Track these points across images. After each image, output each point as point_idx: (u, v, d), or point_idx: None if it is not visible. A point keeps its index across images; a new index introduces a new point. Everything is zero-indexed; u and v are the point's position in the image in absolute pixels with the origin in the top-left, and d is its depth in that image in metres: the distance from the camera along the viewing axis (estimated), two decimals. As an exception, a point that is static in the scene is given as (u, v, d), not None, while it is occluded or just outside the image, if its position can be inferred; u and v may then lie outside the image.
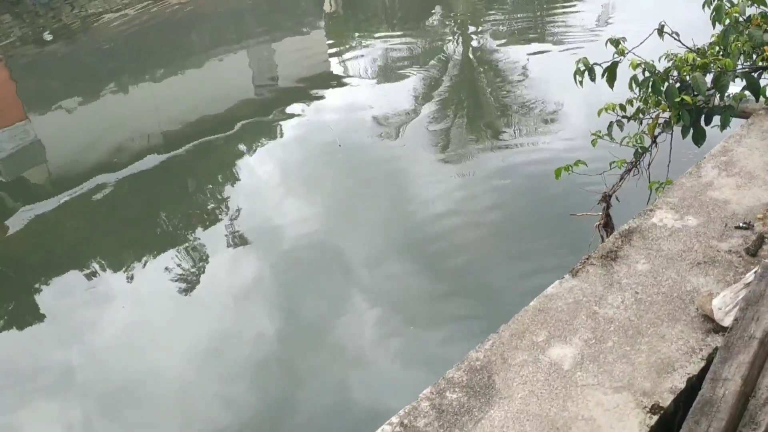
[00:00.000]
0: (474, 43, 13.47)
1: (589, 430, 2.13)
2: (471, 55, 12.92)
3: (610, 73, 4.18)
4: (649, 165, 4.48)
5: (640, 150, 4.25)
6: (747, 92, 3.92)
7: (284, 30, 14.96)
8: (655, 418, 2.15)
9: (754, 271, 2.65)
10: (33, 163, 10.01)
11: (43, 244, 7.74)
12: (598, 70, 4.20)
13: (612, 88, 4.24)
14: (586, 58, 4.22)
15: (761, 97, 3.87)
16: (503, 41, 12.90)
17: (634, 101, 4.36)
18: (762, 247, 2.82)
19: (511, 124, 9.42)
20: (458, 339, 5.39)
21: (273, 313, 6.02)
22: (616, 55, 4.15)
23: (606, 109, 4.28)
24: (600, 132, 4.45)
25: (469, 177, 8.01)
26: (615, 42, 4.27)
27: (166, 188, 8.75)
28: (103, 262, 7.14)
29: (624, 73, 4.23)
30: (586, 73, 4.20)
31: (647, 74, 3.96)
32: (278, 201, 7.91)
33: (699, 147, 3.96)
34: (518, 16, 14.38)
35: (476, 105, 10.72)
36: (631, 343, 2.43)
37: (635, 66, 3.96)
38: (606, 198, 4.59)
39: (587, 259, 2.85)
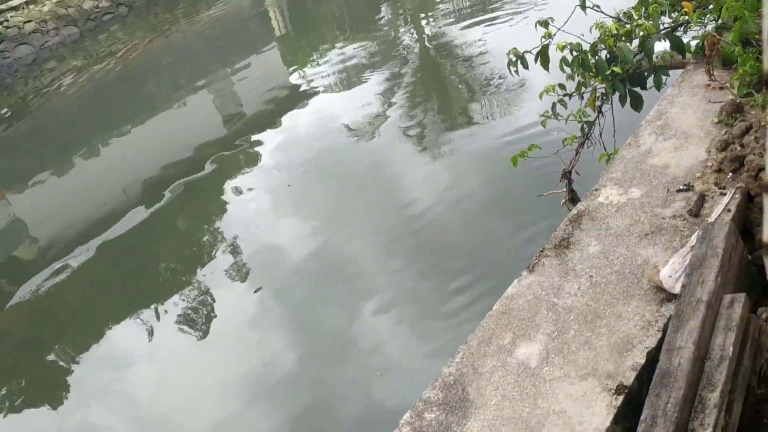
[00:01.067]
0: (428, 32, 13.59)
1: (561, 423, 2.23)
2: (428, 45, 13.04)
3: (543, 57, 4.27)
4: (600, 135, 4.58)
5: (585, 125, 4.35)
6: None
7: (239, 60, 15.05)
8: (621, 398, 2.25)
9: (698, 231, 2.75)
10: (18, 242, 10.10)
11: (48, 317, 7.84)
12: (530, 57, 4.29)
13: (547, 71, 4.34)
14: (515, 48, 4.32)
15: (687, 53, 3.96)
16: (456, 24, 13.01)
17: (575, 76, 4.45)
18: (703, 206, 2.92)
19: (482, 104, 9.55)
20: (470, 320, 5.55)
21: (291, 334, 6.17)
22: (543, 39, 4.25)
23: (546, 92, 4.37)
24: (547, 112, 4.55)
25: (449, 164, 8.15)
26: (544, 23, 4.36)
27: (156, 238, 8.86)
28: (112, 321, 7.24)
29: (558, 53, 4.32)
30: (519, 62, 4.29)
31: (575, 53, 4.05)
32: (271, 225, 8.03)
33: (639, 112, 4.06)
34: (466, -4, 14.50)
35: (443, 92, 10.85)
36: (591, 328, 2.53)
37: (562, 48, 4.06)
38: (566, 174, 4.69)
39: (542, 252, 2.95)
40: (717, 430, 2.06)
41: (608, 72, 3.92)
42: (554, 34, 4.25)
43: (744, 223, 2.89)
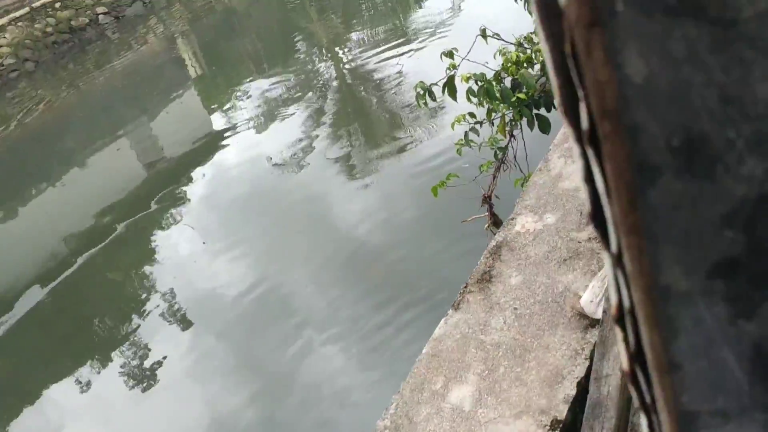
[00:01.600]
0: (345, 63, 13.68)
1: (500, 467, 2.21)
2: (346, 75, 13.12)
3: (450, 88, 4.33)
4: (515, 157, 4.67)
5: (499, 150, 4.42)
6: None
7: (156, 106, 14.79)
8: (555, 434, 2.25)
9: (613, 253, 2.80)
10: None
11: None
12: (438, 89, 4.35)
13: (456, 101, 4.40)
14: (422, 81, 4.36)
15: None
16: (372, 52, 13.14)
17: (483, 104, 4.52)
18: (616, 225, 2.98)
19: (404, 130, 9.62)
20: (415, 340, 5.56)
21: (239, 378, 6.06)
22: (448, 70, 4.31)
23: (458, 121, 4.43)
24: (461, 140, 4.61)
25: (378, 194, 8.17)
26: (449, 54, 4.43)
27: (88, 295, 8.55)
28: (51, 385, 6.93)
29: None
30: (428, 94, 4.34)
31: (480, 83, 4.12)
32: (208, 269, 7.86)
33: (547, 134, 4.15)
34: (378, 25, 14.69)
35: (366, 120, 10.91)
36: (520, 363, 2.53)
37: (466, 79, 4.11)
38: (486, 199, 4.75)
39: (465, 287, 2.95)
40: (649, 456, 2.08)
41: (513, 99, 4.00)
42: (459, 64, 4.32)
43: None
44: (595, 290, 2.68)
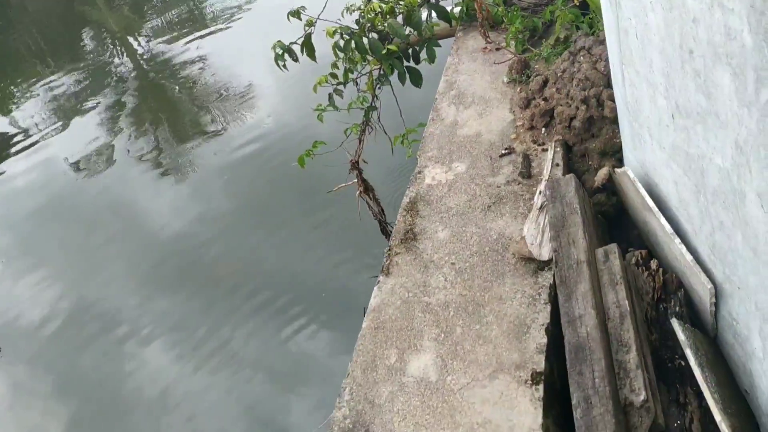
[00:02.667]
0: (141, 52, 12.67)
1: (491, 435, 1.97)
2: (144, 65, 12.16)
3: (308, 47, 3.97)
4: (378, 119, 4.41)
5: (368, 110, 4.14)
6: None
7: None
8: (541, 387, 2.05)
9: (538, 192, 2.66)
10: None
11: None
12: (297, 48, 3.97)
13: (315, 61, 4.05)
14: (280, 41, 3.95)
15: (453, 21, 3.93)
16: (169, 39, 12.29)
17: (339, 64, 4.20)
18: (531, 165, 2.85)
19: (215, 115, 9.07)
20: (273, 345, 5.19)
21: (67, 411, 5.29)
22: (306, 28, 3.94)
23: (320, 83, 4.09)
24: (321, 105, 4.27)
25: (200, 181, 7.56)
26: (296, 14, 4.05)
27: None
28: None
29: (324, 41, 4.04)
30: (287, 55, 3.94)
31: (346, 37, 3.81)
32: (8, 298, 6.81)
33: (420, 87, 3.94)
34: (173, 10, 13.77)
35: (171, 110, 10.16)
36: (477, 320, 2.30)
37: (332, 33, 3.78)
38: (355, 165, 4.46)
39: (390, 250, 2.66)
40: (647, 390, 1.95)
41: (384, 51, 3.74)
42: (315, 22, 3.97)
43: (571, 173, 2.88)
44: (532, 232, 2.52)
